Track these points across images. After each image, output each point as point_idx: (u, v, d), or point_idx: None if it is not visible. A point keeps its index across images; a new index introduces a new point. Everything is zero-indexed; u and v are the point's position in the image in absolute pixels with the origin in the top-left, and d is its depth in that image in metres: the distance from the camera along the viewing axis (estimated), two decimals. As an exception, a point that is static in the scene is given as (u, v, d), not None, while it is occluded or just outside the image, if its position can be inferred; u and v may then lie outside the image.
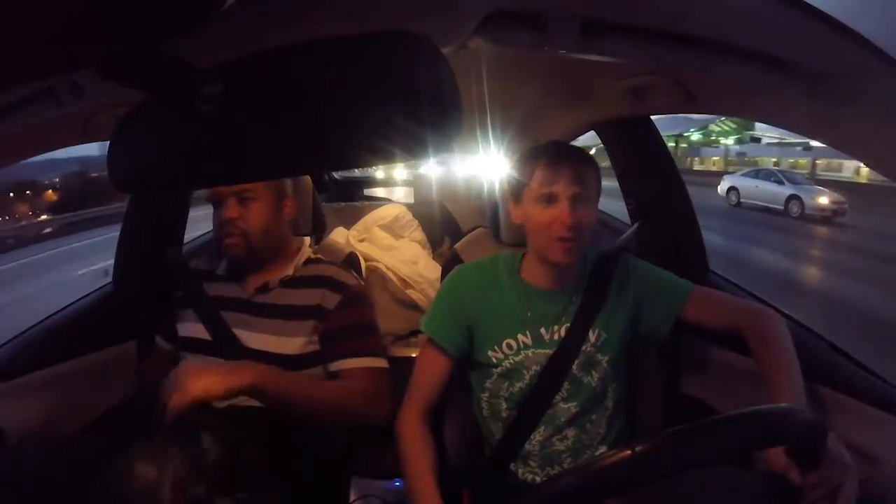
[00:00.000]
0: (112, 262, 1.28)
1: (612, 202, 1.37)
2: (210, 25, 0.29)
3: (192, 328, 0.96)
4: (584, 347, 0.85)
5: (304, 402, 0.84)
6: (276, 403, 0.82)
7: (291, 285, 0.97)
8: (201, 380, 0.75)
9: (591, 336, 0.85)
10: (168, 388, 0.76)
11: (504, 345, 0.86)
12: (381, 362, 0.96)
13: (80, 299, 1.24)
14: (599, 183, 0.83)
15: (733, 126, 22.94)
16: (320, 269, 1.01)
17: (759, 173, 12.32)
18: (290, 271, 0.99)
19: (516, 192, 0.85)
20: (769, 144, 24.09)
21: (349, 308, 0.96)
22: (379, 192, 3.13)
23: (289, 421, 0.89)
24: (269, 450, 0.86)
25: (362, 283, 1.06)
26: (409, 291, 1.59)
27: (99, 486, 0.72)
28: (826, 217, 9.80)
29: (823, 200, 9.95)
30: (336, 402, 0.87)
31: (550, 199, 0.79)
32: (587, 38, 0.54)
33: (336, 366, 0.93)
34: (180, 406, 0.73)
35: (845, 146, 0.66)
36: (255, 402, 0.89)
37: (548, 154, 0.82)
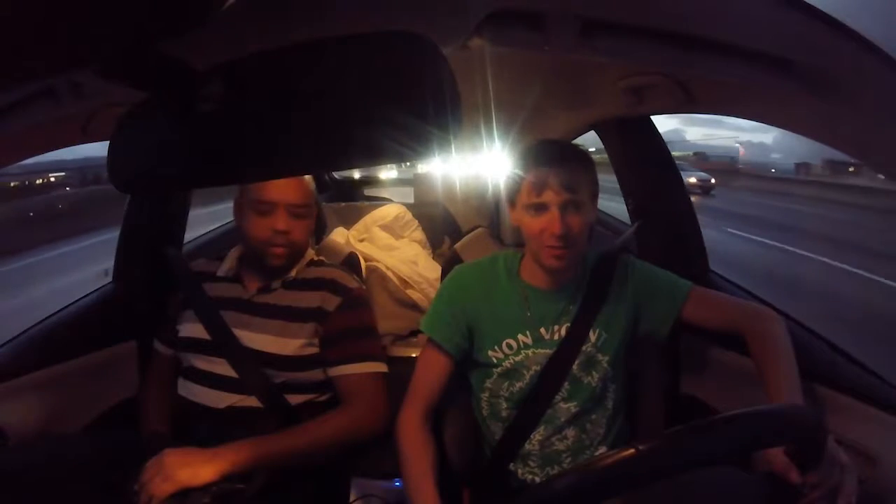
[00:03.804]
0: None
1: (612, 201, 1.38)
2: (210, 25, 0.29)
3: (191, 329, 0.95)
4: (584, 347, 0.85)
5: (301, 452, 0.84)
6: (275, 465, 0.82)
7: (293, 287, 0.98)
8: (187, 467, 0.75)
9: (592, 336, 0.85)
10: (151, 475, 0.74)
11: (504, 344, 0.86)
12: (380, 366, 0.96)
13: (80, 299, 1.24)
14: (595, 183, 0.82)
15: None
16: (322, 271, 1.01)
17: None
18: (292, 273, 0.99)
19: (510, 196, 0.84)
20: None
21: (349, 311, 0.97)
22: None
23: (289, 420, 0.89)
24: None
25: (363, 286, 1.06)
26: (409, 291, 1.59)
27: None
28: (701, 190, 14.65)
29: (692, 179, 14.73)
30: (335, 434, 0.87)
31: (539, 208, 0.78)
32: (587, 38, 0.54)
33: (336, 371, 0.94)
34: (164, 494, 0.73)
35: (845, 146, 0.66)
36: (252, 403, 0.90)
37: (536, 159, 0.79)
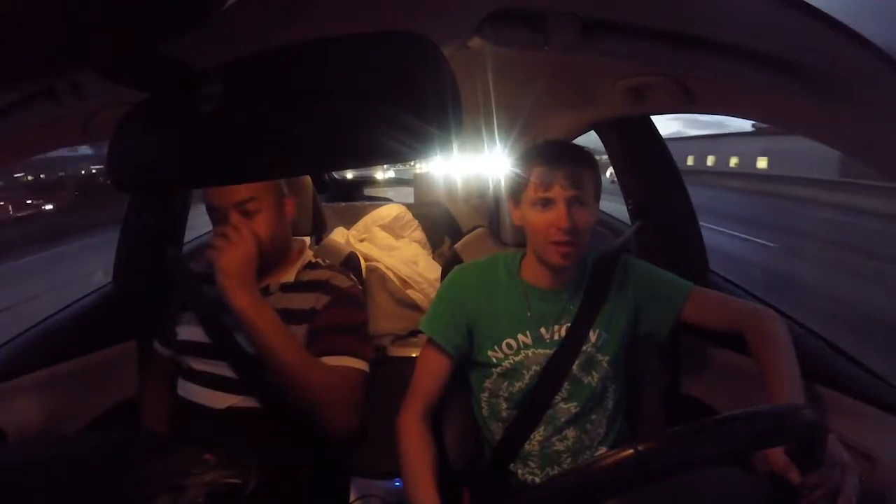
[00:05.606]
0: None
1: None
2: (210, 25, 0.29)
3: (191, 331, 0.95)
4: (584, 347, 0.85)
5: (277, 353, 0.83)
6: (253, 334, 0.84)
7: (291, 290, 0.97)
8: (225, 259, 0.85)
9: (592, 336, 0.85)
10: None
11: (504, 345, 0.86)
12: (361, 364, 0.92)
13: (80, 299, 1.24)
14: (599, 183, 0.83)
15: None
16: (318, 273, 1.00)
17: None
18: (291, 276, 0.98)
19: (515, 194, 0.85)
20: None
21: (336, 308, 0.95)
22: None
23: (289, 420, 0.89)
24: (269, 450, 0.86)
25: (359, 285, 1.05)
26: (409, 291, 1.59)
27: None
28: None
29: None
30: (311, 380, 0.84)
31: (547, 203, 0.79)
32: (587, 38, 0.54)
33: None
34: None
35: (845, 146, 0.66)
36: (252, 404, 0.90)
37: (543, 157, 0.81)
